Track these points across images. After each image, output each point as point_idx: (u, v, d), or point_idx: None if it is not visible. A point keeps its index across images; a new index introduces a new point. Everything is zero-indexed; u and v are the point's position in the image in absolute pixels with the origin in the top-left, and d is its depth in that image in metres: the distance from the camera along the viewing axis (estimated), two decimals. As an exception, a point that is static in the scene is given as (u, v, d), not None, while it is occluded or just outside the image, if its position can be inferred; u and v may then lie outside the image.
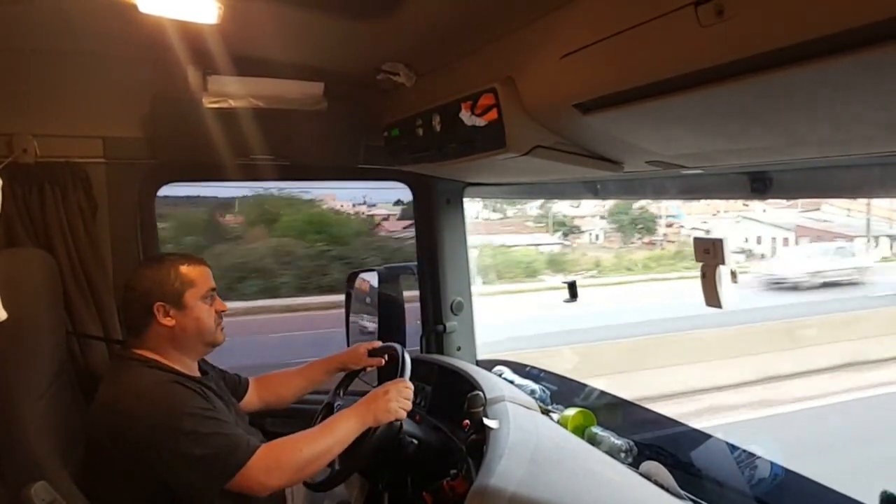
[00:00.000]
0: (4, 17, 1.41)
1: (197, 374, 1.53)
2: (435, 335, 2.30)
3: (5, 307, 1.15)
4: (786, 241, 12.37)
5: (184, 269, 1.48)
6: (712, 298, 1.37)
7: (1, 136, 1.63)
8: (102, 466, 1.36)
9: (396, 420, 1.51)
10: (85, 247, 1.70)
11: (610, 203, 13.12)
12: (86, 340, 1.69)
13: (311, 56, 1.69)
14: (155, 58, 1.64)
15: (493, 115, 1.26)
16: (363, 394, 1.59)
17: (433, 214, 2.25)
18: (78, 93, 1.71)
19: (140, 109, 1.76)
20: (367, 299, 2.30)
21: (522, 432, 1.54)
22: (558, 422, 1.78)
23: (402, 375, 1.61)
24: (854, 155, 0.99)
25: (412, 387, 1.58)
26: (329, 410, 1.74)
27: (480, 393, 1.71)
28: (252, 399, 1.78)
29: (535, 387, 2.00)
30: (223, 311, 1.54)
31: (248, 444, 1.35)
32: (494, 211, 12.52)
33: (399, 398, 1.52)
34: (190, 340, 1.48)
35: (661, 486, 1.45)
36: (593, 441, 1.70)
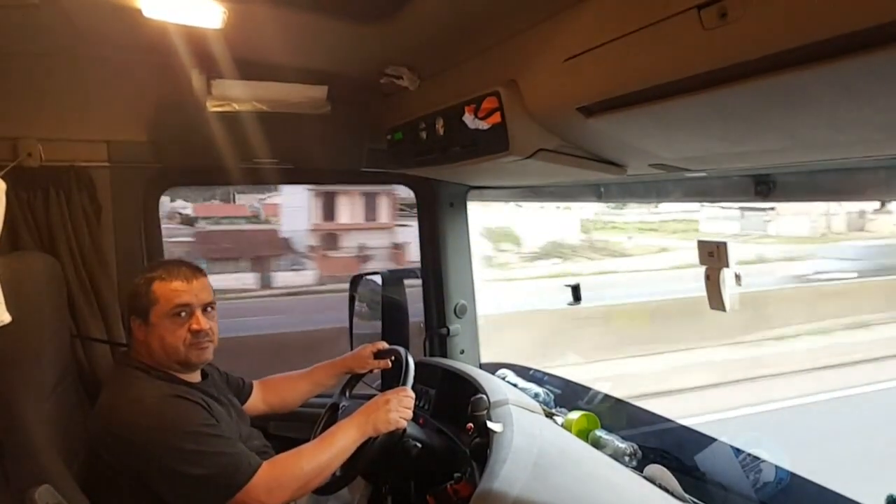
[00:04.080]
0: (10, 22, 1.41)
1: (197, 379, 1.52)
2: (438, 338, 2.30)
3: (10, 310, 1.16)
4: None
5: (156, 283, 1.43)
6: (716, 301, 1.37)
7: (6, 140, 1.64)
8: (104, 474, 1.35)
9: (396, 430, 1.51)
10: (89, 250, 1.71)
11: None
12: (90, 343, 1.69)
13: (315, 60, 1.69)
14: (159, 62, 1.65)
15: (496, 118, 1.26)
16: (368, 397, 1.60)
17: (436, 218, 2.25)
18: (82, 97, 1.72)
19: (144, 114, 1.77)
20: (371, 302, 2.30)
21: (526, 436, 1.53)
22: (562, 425, 1.78)
23: (404, 383, 1.61)
24: (859, 158, 0.99)
25: (413, 395, 1.58)
26: (334, 411, 1.74)
27: (484, 396, 1.70)
28: (257, 403, 1.78)
29: (539, 390, 2.00)
30: (198, 330, 1.44)
31: (249, 464, 1.34)
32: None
33: (399, 407, 1.52)
34: (160, 357, 1.44)
35: (666, 490, 1.44)
36: (597, 444, 1.69)
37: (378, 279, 2.25)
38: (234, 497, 1.31)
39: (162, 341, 1.42)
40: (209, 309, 1.48)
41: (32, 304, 1.39)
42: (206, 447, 1.31)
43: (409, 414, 1.53)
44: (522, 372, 2.17)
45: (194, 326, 1.44)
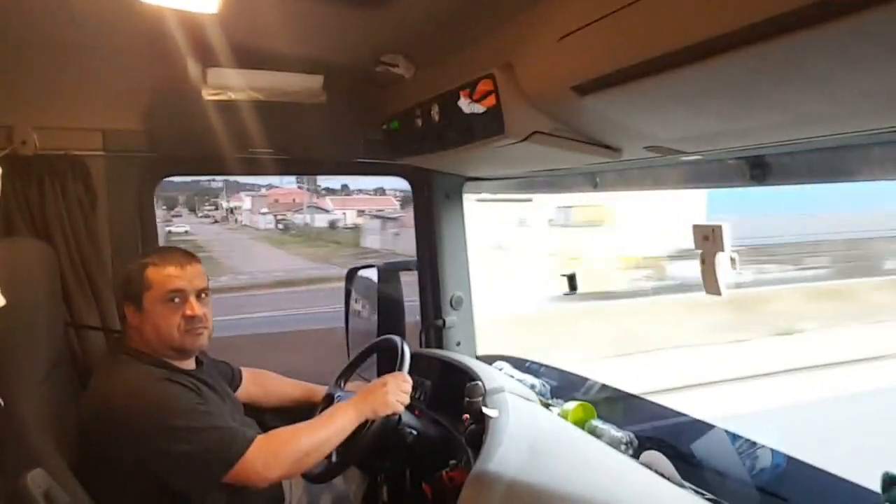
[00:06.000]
0: (4, 9, 1.41)
1: (192, 366, 1.52)
2: (434, 330, 2.29)
3: (4, 296, 1.15)
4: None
5: (150, 269, 1.44)
6: (712, 286, 1.37)
7: (0, 128, 1.63)
8: (98, 458, 1.35)
9: (394, 414, 1.51)
10: (84, 239, 1.70)
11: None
12: (84, 331, 1.69)
13: (310, 47, 1.69)
14: (155, 50, 1.64)
15: (491, 100, 1.26)
16: None
17: (433, 209, 2.25)
18: (77, 85, 1.71)
19: (140, 102, 1.76)
20: (367, 296, 2.30)
21: (522, 421, 1.53)
22: (559, 415, 1.77)
23: (400, 369, 1.61)
24: (854, 133, 0.99)
25: (410, 380, 1.59)
26: (329, 401, 1.74)
27: (480, 383, 1.70)
28: (240, 393, 1.78)
29: (536, 381, 2.00)
30: (192, 316, 1.44)
31: (243, 437, 1.34)
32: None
33: (397, 391, 1.52)
34: (153, 343, 1.44)
35: (662, 476, 1.44)
36: (594, 434, 1.68)
37: (374, 272, 2.26)
38: (231, 471, 1.31)
39: (156, 327, 1.43)
40: (203, 295, 1.49)
41: (26, 291, 1.38)
42: (197, 424, 1.31)
43: (407, 399, 1.53)
44: (519, 363, 2.16)
45: (188, 312, 1.44)
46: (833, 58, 0.73)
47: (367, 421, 1.49)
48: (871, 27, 0.64)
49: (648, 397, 1.95)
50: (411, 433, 1.59)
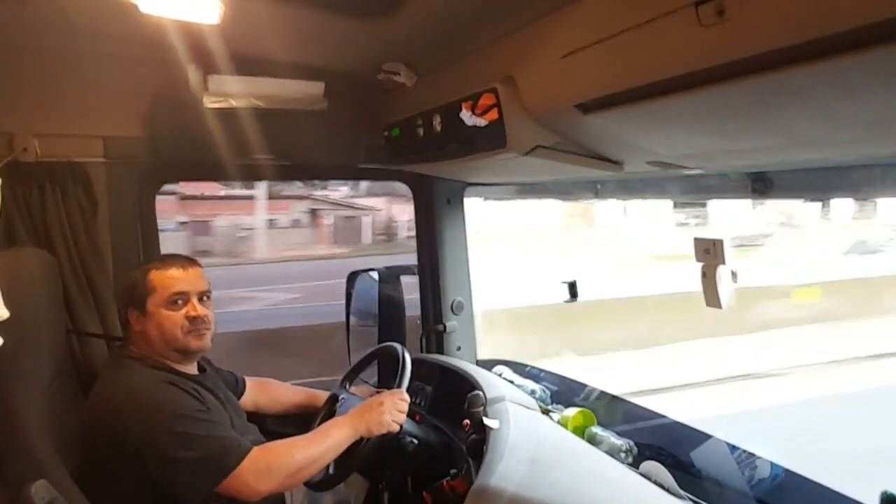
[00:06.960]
0: (5, 16, 1.41)
1: (194, 372, 1.53)
2: (435, 335, 2.30)
3: (6, 306, 1.15)
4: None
5: (152, 273, 1.47)
6: (712, 299, 1.37)
7: (1, 135, 1.63)
8: (100, 465, 1.36)
9: (389, 433, 1.52)
10: (85, 246, 1.70)
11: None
12: (86, 339, 1.69)
13: (312, 56, 1.69)
14: (156, 57, 1.64)
15: (493, 114, 1.26)
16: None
17: (434, 214, 2.25)
18: (78, 92, 1.71)
19: (141, 109, 1.76)
20: (368, 299, 2.30)
21: (523, 432, 1.54)
22: (558, 422, 1.78)
23: (399, 385, 1.61)
24: (854, 156, 0.99)
25: (408, 399, 1.59)
26: (333, 402, 1.75)
27: (480, 393, 1.71)
28: (244, 402, 1.78)
29: (536, 387, 2.00)
30: (195, 317, 1.47)
31: (239, 448, 1.35)
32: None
33: (393, 410, 1.53)
34: (159, 346, 1.47)
35: (661, 487, 1.45)
36: (593, 441, 1.69)
37: (375, 275, 2.26)
38: (225, 481, 1.32)
39: (160, 329, 1.45)
40: (205, 298, 1.52)
41: (28, 301, 1.38)
42: (196, 430, 1.33)
43: (403, 417, 1.54)
44: (519, 369, 2.17)
45: (191, 313, 1.47)
46: (835, 89, 0.73)
47: (362, 438, 1.50)
48: (874, 63, 0.64)
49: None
50: (412, 442, 1.59)
